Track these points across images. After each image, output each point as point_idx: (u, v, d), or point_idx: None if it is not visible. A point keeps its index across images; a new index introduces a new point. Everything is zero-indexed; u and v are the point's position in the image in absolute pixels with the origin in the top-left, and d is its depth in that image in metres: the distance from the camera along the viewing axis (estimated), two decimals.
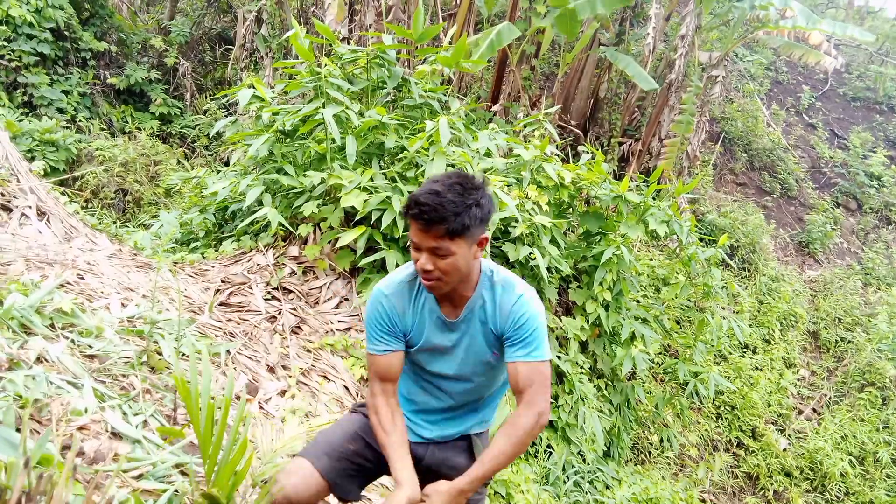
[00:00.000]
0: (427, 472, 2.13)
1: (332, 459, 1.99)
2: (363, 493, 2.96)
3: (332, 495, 2.06)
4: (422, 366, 2.03)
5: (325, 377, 3.94)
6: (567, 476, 4.94)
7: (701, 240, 6.43)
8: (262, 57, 10.27)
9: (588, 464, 5.22)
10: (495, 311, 1.89)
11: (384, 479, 3.42)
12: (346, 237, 4.49)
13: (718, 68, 10.39)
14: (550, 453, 5.03)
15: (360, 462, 2.04)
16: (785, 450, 8.15)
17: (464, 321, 1.93)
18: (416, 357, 2.04)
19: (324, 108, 4.84)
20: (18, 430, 2.08)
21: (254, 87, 5.39)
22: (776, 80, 15.85)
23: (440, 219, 1.68)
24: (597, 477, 5.23)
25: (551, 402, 5.25)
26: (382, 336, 1.98)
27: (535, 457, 4.96)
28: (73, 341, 2.94)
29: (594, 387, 5.69)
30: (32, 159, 7.09)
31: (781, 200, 12.94)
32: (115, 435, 2.43)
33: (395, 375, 2.02)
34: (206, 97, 10.89)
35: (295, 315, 4.46)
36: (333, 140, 4.79)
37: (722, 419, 8.31)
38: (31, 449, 1.78)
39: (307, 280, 4.84)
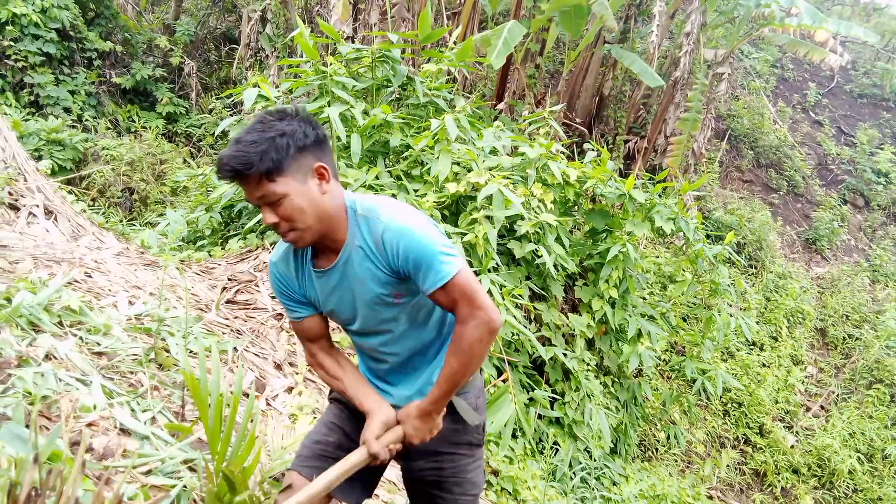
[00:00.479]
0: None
1: (317, 461, 1.92)
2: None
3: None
4: (347, 330, 1.94)
5: None
6: (574, 472, 4.94)
7: (707, 237, 6.41)
8: (266, 56, 10.28)
9: (595, 460, 5.22)
10: (374, 249, 1.72)
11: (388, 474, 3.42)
12: None
13: (724, 65, 10.35)
14: (557, 450, 5.03)
15: (343, 455, 1.92)
16: (792, 447, 8.12)
17: (337, 267, 1.78)
18: (333, 320, 1.94)
19: (329, 106, 4.85)
20: (28, 426, 2.09)
21: (259, 87, 5.39)
22: (782, 78, 15.79)
23: (245, 164, 1.56)
24: (603, 473, 5.22)
25: (556, 398, 5.26)
26: (289, 304, 1.93)
27: (542, 453, 4.96)
28: (81, 339, 2.95)
29: (601, 384, 5.69)
30: (39, 158, 7.11)
31: (788, 197, 12.89)
32: (124, 431, 2.44)
33: (320, 335, 1.98)
34: (211, 96, 10.91)
35: None
36: (339, 138, 4.80)
37: (729, 416, 8.30)
38: (40, 445, 1.78)
39: None
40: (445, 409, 1.90)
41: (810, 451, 8.12)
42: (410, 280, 1.74)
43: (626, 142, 11.19)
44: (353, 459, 1.78)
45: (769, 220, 11.48)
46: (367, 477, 2.03)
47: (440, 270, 1.67)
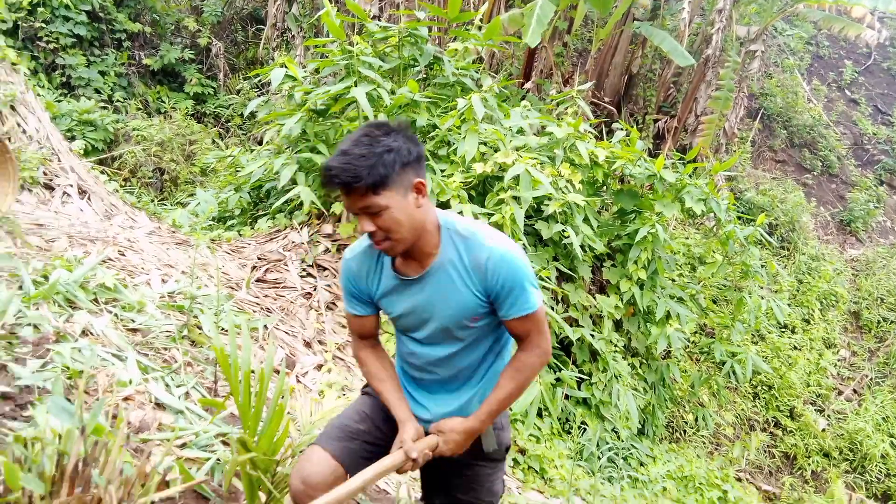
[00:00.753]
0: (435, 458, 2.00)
1: (343, 441, 1.96)
2: (390, 490, 3.00)
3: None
4: (404, 332, 1.97)
5: None
6: (601, 452, 4.94)
7: (739, 218, 6.30)
8: (293, 36, 10.29)
9: (622, 441, 5.20)
10: (469, 269, 1.79)
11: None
12: None
13: (757, 43, 10.10)
14: (584, 430, 5.03)
15: (371, 441, 1.99)
16: (824, 430, 8.02)
17: (423, 278, 1.83)
18: (396, 324, 1.99)
19: (355, 86, 4.84)
20: (69, 399, 2.14)
21: (286, 67, 5.40)
22: (817, 55, 15.37)
23: (354, 177, 1.62)
24: (631, 454, 5.21)
25: (583, 378, 5.25)
26: (352, 300, 1.98)
27: (569, 433, 4.96)
28: (116, 315, 3.01)
29: (628, 365, 5.66)
30: (72, 139, 7.22)
31: (822, 178, 12.60)
32: (159, 405, 2.49)
33: (371, 334, 2.04)
34: (238, 77, 10.96)
35: (330, 291, 4.50)
36: (366, 118, 4.79)
37: (759, 399, 8.20)
38: (85, 418, 1.83)
39: (341, 257, 4.87)
40: None
41: (842, 434, 8.00)
42: (495, 303, 1.82)
43: (655, 121, 11.00)
44: (389, 462, 1.80)
45: (802, 200, 11.24)
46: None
47: (527, 300, 1.79)
